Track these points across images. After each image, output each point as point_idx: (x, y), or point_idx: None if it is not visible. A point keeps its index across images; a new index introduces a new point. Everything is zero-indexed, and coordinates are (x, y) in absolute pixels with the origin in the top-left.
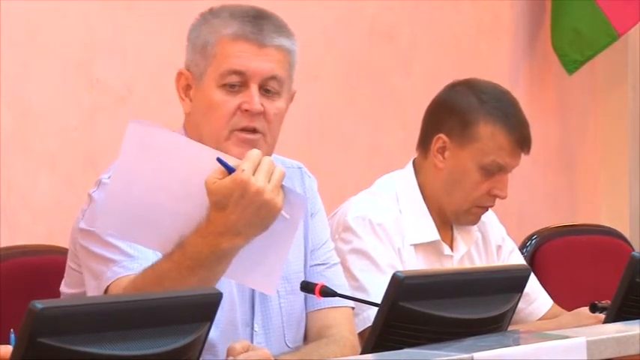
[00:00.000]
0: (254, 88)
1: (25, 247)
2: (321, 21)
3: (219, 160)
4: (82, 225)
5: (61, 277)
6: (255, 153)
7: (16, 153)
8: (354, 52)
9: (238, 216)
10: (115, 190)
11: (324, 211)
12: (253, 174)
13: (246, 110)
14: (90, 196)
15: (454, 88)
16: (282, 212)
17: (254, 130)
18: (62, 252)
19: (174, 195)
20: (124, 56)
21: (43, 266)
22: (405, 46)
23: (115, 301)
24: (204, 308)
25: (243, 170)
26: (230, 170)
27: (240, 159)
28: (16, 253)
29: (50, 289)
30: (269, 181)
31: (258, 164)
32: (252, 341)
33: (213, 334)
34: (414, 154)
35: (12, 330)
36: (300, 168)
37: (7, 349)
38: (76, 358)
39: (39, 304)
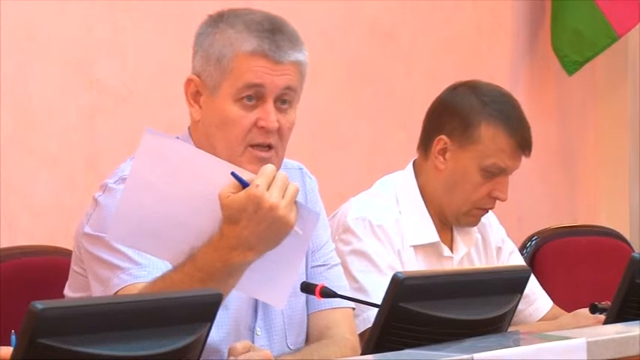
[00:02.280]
0: (270, 104)
1: (25, 247)
2: (321, 21)
3: (233, 174)
4: (88, 230)
5: (61, 277)
6: (269, 168)
7: (16, 153)
8: (354, 52)
9: (251, 231)
10: (128, 200)
11: (324, 212)
12: (267, 189)
13: (262, 127)
14: (96, 200)
15: (456, 89)
16: (295, 228)
17: (268, 147)
18: (62, 253)
19: (187, 207)
20: (124, 56)
21: (43, 267)
22: (405, 47)
23: (115, 301)
24: (204, 309)
25: (257, 185)
26: (244, 185)
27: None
28: (16, 254)
29: (50, 290)
30: (283, 197)
31: (273, 179)
32: (254, 344)
33: (217, 336)
34: (415, 155)
35: (13, 331)
36: (300, 169)
37: (8, 351)
38: (76, 358)
39: (39, 305)
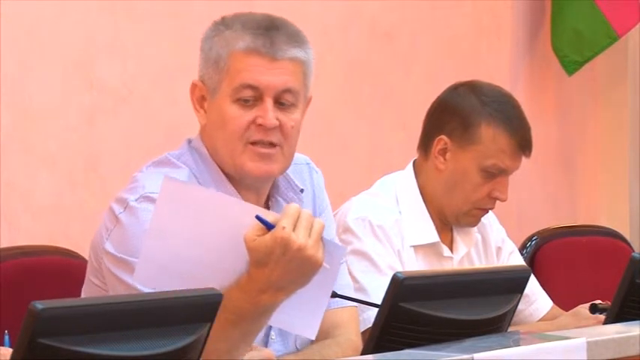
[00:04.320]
0: (269, 103)
1: (25, 247)
2: (321, 21)
3: (257, 217)
4: (110, 249)
5: (61, 277)
6: (293, 208)
7: (16, 153)
8: (354, 52)
9: (280, 273)
10: (152, 246)
11: (330, 206)
12: (293, 230)
13: (261, 125)
14: (116, 217)
15: (456, 89)
16: (324, 264)
17: (270, 144)
18: (62, 253)
19: (213, 249)
20: (124, 56)
21: (43, 267)
22: (405, 46)
23: (115, 301)
24: (204, 308)
25: (283, 227)
26: (269, 227)
27: (255, 173)
28: (16, 254)
29: (50, 290)
30: (309, 236)
31: (297, 219)
32: (268, 347)
33: None
34: (415, 155)
35: (6, 331)
36: (308, 164)
37: (7, 351)
38: (76, 358)
39: (39, 305)
